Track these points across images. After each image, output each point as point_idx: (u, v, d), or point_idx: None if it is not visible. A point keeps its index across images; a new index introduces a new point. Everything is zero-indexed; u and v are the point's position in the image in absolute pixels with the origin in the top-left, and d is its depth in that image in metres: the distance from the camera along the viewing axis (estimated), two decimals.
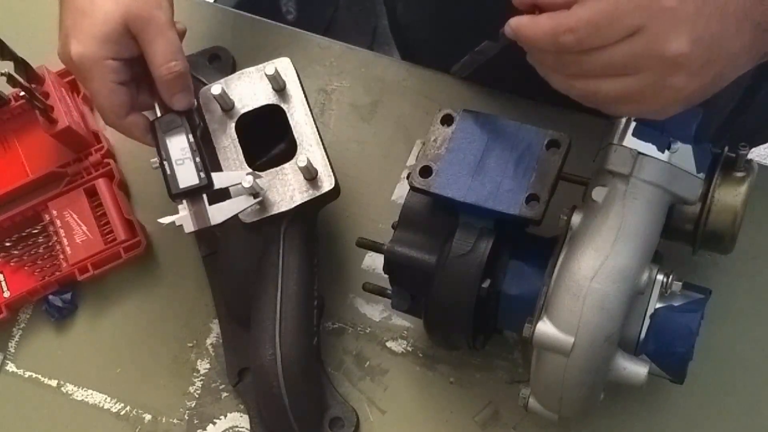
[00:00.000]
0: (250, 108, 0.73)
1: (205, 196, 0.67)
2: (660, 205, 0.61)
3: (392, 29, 1.05)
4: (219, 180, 0.68)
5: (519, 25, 0.55)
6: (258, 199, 0.68)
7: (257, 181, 0.68)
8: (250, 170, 0.70)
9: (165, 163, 0.67)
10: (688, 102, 0.54)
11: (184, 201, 0.67)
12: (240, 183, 0.68)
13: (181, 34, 0.71)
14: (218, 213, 0.67)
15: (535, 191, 0.63)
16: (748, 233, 0.66)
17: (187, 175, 0.67)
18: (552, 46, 0.54)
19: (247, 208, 0.68)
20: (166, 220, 0.67)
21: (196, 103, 0.70)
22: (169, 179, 0.67)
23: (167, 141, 0.68)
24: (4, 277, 0.81)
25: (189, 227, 0.67)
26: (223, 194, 0.68)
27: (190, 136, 0.68)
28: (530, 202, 0.63)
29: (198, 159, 0.67)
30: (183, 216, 0.67)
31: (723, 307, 0.73)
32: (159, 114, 0.70)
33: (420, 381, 0.76)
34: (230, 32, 0.88)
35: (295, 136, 0.72)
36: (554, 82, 0.56)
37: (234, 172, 0.70)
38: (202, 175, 0.67)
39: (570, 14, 0.52)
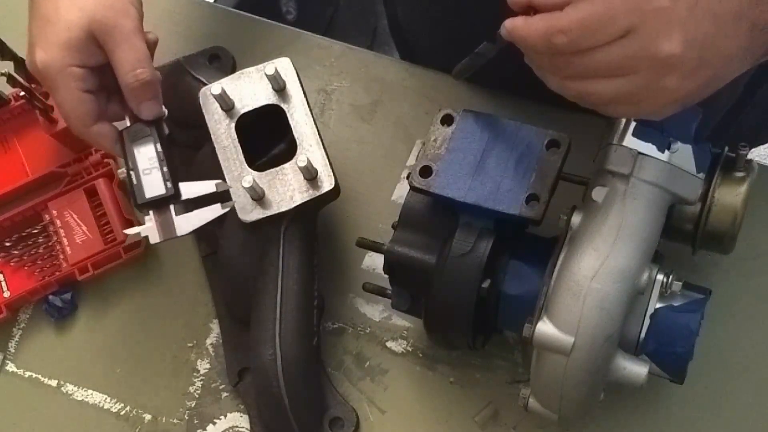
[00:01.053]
0: (250, 108, 0.73)
1: (172, 206, 0.66)
2: (660, 205, 0.61)
3: (392, 29, 1.05)
4: (187, 190, 0.67)
5: (513, 26, 0.55)
6: (226, 210, 0.67)
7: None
8: (217, 181, 0.69)
9: (132, 172, 0.67)
10: (683, 103, 0.54)
11: (150, 212, 0.66)
12: (206, 194, 0.67)
13: (152, 44, 0.70)
14: (185, 223, 0.66)
15: (535, 191, 0.63)
16: (748, 233, 0.66)
17: (153, 185, 0.66)
18: (545, 47, 0.54)
19: (215, 218, 0.67)
20: (131, 231, 0.67)
21: (166, 112, 0.69)
22: (135, 189, 0.66)
23: (135, 150, 0.68)
24: (4, 277, 0.81)
25: (154, 238, 0.66)
26: (223, 197, 0.68)
27: (158, 146, 0.67)
28: (530, 202, 0.63)
29: (165, 168, 0.67)
30: (148, 227, 0.66)
31: (723, 307, 0.73)
32: (129, 124, 0.69)
33: (420, 381, 0.76)
34: (230, 32, 0.88)
35: (295, 136, 0.72)
36: (549, 83, 0.56)
37: (203, 182, 0.68)
38: (169, 185, 0.66)
39: (562, 15, 0.52)
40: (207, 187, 0.67)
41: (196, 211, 0.67)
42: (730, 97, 0.81)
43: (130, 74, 0.66)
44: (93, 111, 0.68)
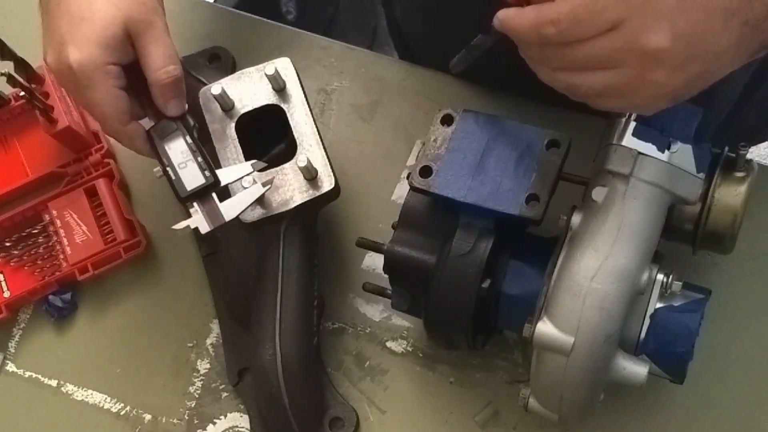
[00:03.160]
0: (250, 108, 0.73)
1: (214, 194, 0.66)
2: (660, 205, 0.61)
3: (390, 29, 1.05)
4: (224, 175, 0.67)
5: (505, 17, 0.56)
6: (268, 188, 0.68)
7: (260, 171, 0.67)
8: (253, 161, 0.69)
9: (168, 169, 0.67)
10: (672, 98, 0.54)
11: (195, 203, 0.66)
12: (245, 176, 0.67)
13: None
14: (231, 208, 0.66)
15: (535, 191, 0.63)
16: (748, 233, 0.66)
17: (192, 177, 0.66)
18: (535, 38, 0.54)
19: (259, 196, 0.67)
20: (180, 225, 0.66)
21: (186, 105, 0.69)
22: (175, 184, 0.66)
23: (166, 147, 0.67)
24: (4, 277, 0.81)
25: (204, 228, 0.66)
26: (223, 193, 0.68)
27: (188, 138, 0.67)
28: (530, 202, 0.63)
29: (200, 159, 0.66)
30: (196, 218, 0.66)
31: (723, 307, 0.73)
32: (152, 123, 0.68)
33: (420, 381, 0.76)
34: (230, 32, 0.88)
35: (295, 136, 0.72)
36: (541, 75, 0.57)
37: (238, 165, 0.68)
38: (207, 173, 0.66)
39: (552, 6, 0.52)
40: (244, 168, 0.67)
41: (240, 194, 0.67)
42: (731, 97, 0.81)
43: (162, 71, 0.66)
44: (129, 109, 0.67)
